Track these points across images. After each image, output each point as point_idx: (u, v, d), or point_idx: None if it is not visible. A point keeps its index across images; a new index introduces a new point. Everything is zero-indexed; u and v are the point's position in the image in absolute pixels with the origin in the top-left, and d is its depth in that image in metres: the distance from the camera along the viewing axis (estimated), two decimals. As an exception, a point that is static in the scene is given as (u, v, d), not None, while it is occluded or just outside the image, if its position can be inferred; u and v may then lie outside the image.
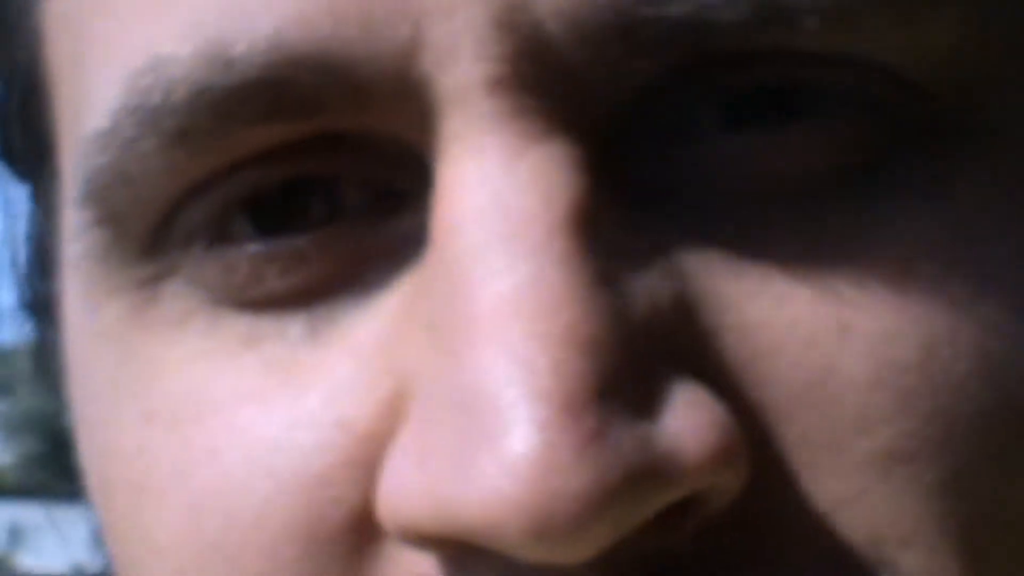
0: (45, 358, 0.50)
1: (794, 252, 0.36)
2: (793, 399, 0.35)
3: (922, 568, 0.36)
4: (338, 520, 0.37)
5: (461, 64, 0.35)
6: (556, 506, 0.32)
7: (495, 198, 0.35)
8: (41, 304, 0.50)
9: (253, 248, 0.38)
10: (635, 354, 0.34)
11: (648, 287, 0.35)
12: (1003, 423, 0.36)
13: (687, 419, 0.34)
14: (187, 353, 0.39)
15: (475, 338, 0.34)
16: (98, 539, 0.44)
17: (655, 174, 0.37)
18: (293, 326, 0.38)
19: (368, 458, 0.36)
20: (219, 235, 0.39)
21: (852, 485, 0.35)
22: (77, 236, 0.41)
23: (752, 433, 0.35)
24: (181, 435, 0.39)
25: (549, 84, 0.36)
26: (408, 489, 0.35)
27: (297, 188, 0.38)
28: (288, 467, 0.37)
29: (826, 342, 0.35)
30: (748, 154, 0.37)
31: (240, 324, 0.39)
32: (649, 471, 0.33)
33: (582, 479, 0.32)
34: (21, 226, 0.51)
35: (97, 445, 0.42)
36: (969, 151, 0.37)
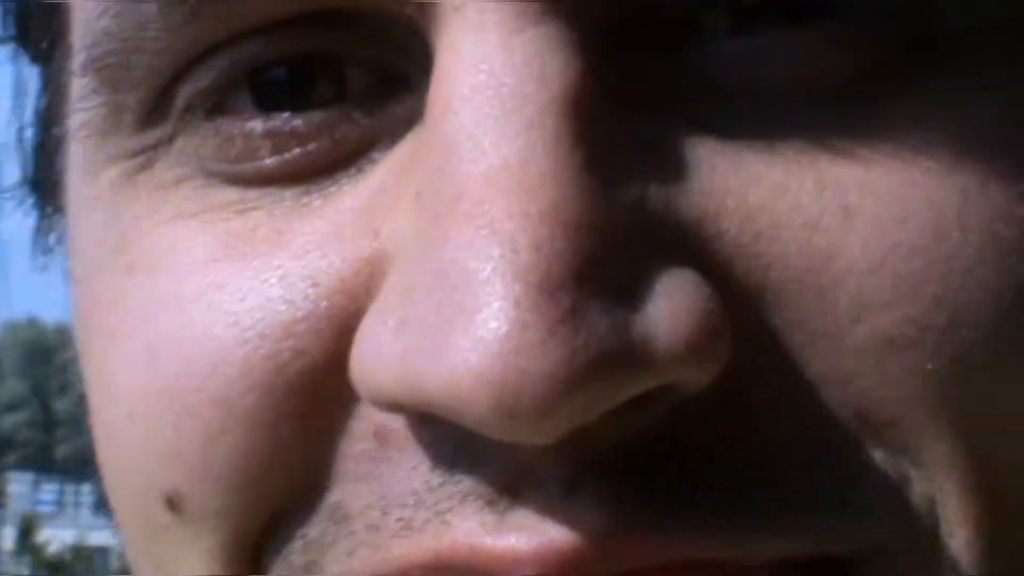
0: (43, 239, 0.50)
1: (797, 147, 0.35)
2: (791, 282, 0.35)
3: (905, 445, 0.35)
4: (299, 372, 0.36)
5: None
6: (523, 385, 0.32)
7: (490, 77, 0.34)
8: (43, 184, 0.49)
9: (251, 124, 0.38)
10: (621, 239, 0.33)
11: (640, 175, 0.35)
12: (1011, 311, 0.35)
13: (668, 306, 0.33)
14: (173, 213, 0.39)
15: (459, 213, 0.34)
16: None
17: (656, 70, 0.36)
18: (283, 200, 0.38)
19: (338, 314, 0.36)
20: (219, 108, 0.39)
21: (843, 369, 0.35)
22: (79, 105, 0.41)
23: (742, 316, 0.34)
24: (153, 283, 0.39)
25: None
26: (381, 357, 0.34)
27: (302, 69, 0.38)
28: (252, 316, 0.37)
29: (829, 225, 0.35)
30: (753, 56, 0.36)
31: (231, 194, 0.39)
32: (622, 358, 0.32)
33: (551, 360, 0.32)
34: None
35: (83, 299, 0.42)
36: (989, 55, 0.37)
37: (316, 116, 0.38)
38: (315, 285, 0.36)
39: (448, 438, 0.35)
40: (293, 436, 0.37)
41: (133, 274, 0.39)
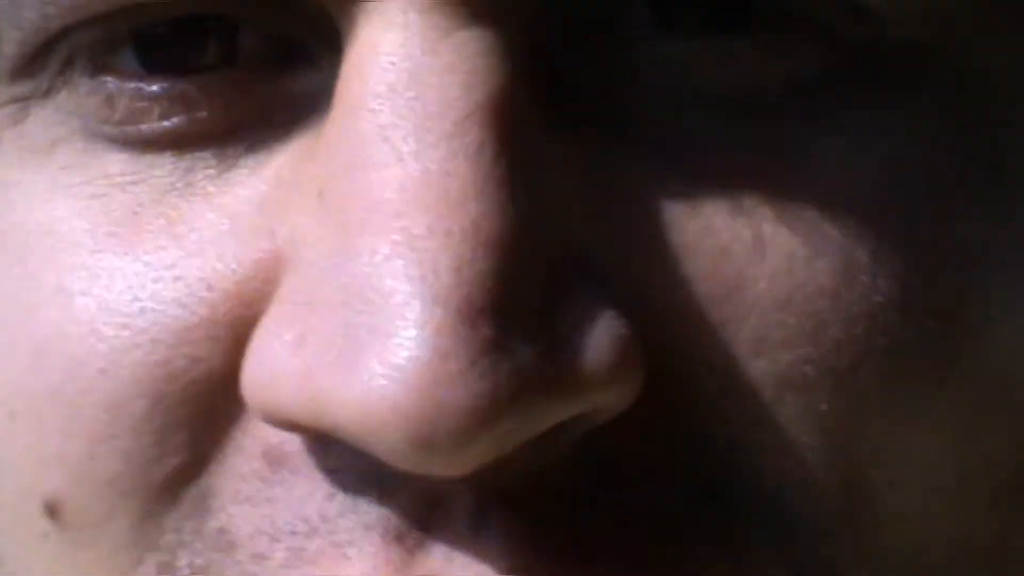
0: None
1: (715, 165, 0.35)
2: (698, 311, 0.34)
3: (793, 489, 0.34)
4: (192, 380, 0.35)
5: None
6: (441, 418, 0.31)
7: (412, 77, 0.33)
8: None
9: (138, 84, 0.36)
10: (540, 259, 0.32)
11: (561, 188, 0.34)
12: (912, 362, 0.35)
13: (587, 332, 0.32)
14: (48, 185, 0.37)
15: (372, 223, 0.32)
16: None
17: (580, 74, 0.35)
18: (171, 173, 0.36)
19: (233, 320, 0.35)
20: (103, 65, 0.36)
21: (741, 407, 0.34)
22: None
23: (650, 341, 0.33)
24: (29, 269, 0.36)
25: None
26: (280, 372, 0.33)
27: (191, 28, 0.36)
28: (145, 318, 0.35)
29: (739, 255, 0.34)
30: (678, 61, 0.35)
31: (113, 162, 0.36)
32: (543, 388, 0.31)
33: (472, 392, 0.31)
34: None
35: None
36: (925, 88, 0.36)
37: (207, 80, 0.36)
38: (210, 289, 0.35)
39: (351, 464, 0.33)
40: (182, 447, 0.35)
41: (1, 254, 0.37)
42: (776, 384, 0.34)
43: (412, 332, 0.31)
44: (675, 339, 0.34)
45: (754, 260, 0.34)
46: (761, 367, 0.34)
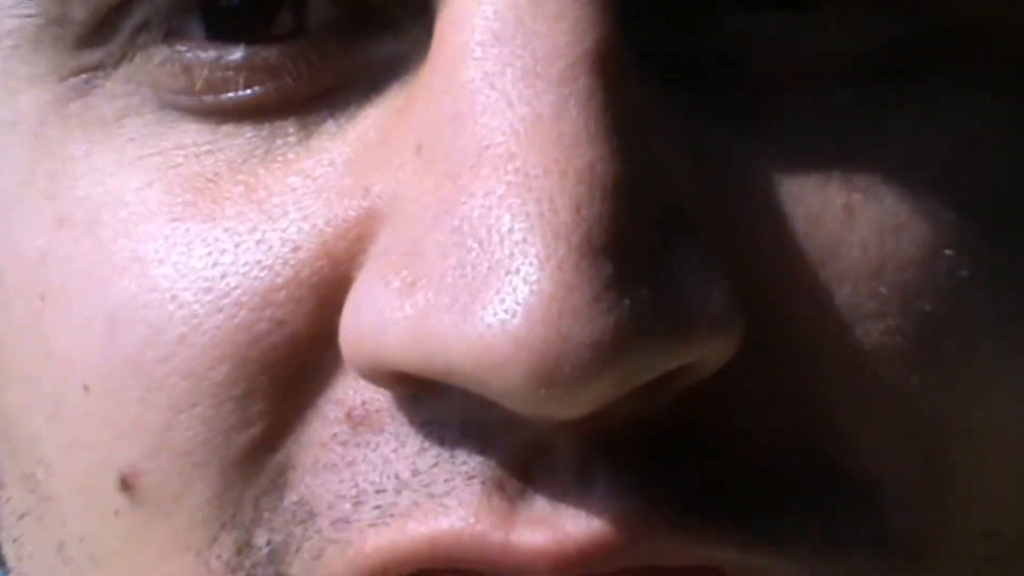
0: None
1: (805, 132, 0.35)
2: (794, 274, 0.34)
3: (882, 465, 0.34)
4: (275, 344, 0.34)
5: None
6: (566, 352, 0.30)
7: (518, 25, 0.33)
8: None
9: (218, 52, 0.35)
10: (652, 205, 0.32)
11: (663, 142, 0.33)
12: (997, 336, 0.35)
13: (696, 280, 0.32)
14: (117, 156, 0.36)
15: (484, 165, 0.32)
16: None
17: (667, 42, 0.35)
18: (250, 141, 0.35)
19: (320, 281, 0.34)
20: (176, 33, 0.36)
21: (832, 374, 0.34)
22: (10, 10, 0.37)
23: (747, 299, 0.33)
24: (99, 241, 0.36)
25: None
26: (389, 319, 0.32)
27: None
28: (226, 282, 0.34)
29: (831, 223, 0.34)
30: (758, 36, 0.35)
31: (188, 133, 0.36)
32: (661, 329, 0.31)
33: (597, 326, 0.30)
34: None
35: None
36: (996, 62, 0.36)
37: (286, 47, 0.35)
38: (296, 249, 0.34)
39: (448, 415, 0.33)
40: (263, 415, 0.34)
41: (68, 228, 0.36)
42: (868, 354, 0.34)
43: (535, 266, 0.30)
44: (770, 300, 0.34)
45: (845, 228, 0.34)
46: (854, 336, 0.34)
